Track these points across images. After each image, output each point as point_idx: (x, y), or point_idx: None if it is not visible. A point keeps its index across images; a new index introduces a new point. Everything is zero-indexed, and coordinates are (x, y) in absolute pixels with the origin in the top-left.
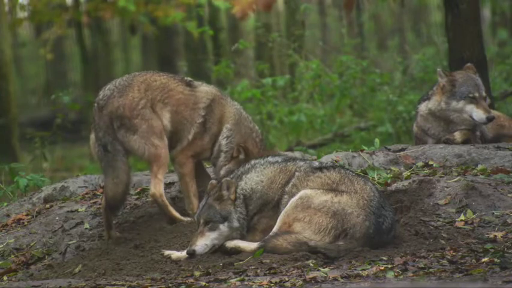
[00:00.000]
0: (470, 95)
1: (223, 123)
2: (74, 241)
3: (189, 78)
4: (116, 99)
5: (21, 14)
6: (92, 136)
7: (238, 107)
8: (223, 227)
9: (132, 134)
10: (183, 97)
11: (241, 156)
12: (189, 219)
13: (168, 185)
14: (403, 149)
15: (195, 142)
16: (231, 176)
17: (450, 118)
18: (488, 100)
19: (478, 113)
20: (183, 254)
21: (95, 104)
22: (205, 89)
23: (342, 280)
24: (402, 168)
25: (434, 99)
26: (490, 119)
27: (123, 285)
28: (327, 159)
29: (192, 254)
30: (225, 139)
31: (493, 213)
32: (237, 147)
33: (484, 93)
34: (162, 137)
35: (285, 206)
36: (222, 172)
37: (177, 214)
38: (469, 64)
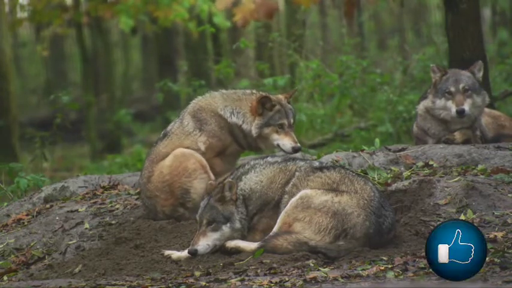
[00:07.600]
0: (447, 91)
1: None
2: (74, 241)
3: None
4: None
5: (21, 14)
6: None
7: (216, 95)
8: (226, 228)
9: None
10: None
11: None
12: None
13: None
14: (403, 149)
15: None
16: (232, 176)
17: (441, 117)
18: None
19: (452, 108)
20: (183, 254)
21: None
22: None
23: (342, 280)
24: (402, 168)
25: (429, 97)
26: (458, 112)
27: (123, 285)
28: (327, 159)
29: (194, 254)
30: (230, 116)
31: (493, 213)
32: (253, 106)
33: (463, 87)
34: None
35: (285, 205)
36: (253, 130)
37: None
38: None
